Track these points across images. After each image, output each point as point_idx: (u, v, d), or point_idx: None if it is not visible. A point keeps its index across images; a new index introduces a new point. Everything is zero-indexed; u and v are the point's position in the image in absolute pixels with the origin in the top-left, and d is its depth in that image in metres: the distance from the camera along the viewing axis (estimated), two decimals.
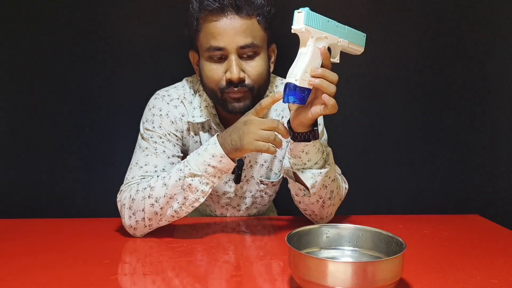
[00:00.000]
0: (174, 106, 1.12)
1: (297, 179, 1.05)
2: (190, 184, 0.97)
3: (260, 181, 1.21)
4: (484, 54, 1.51)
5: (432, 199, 1.55)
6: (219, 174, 0.98)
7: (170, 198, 0.99)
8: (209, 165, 0.96)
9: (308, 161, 1.01)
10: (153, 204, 1.00)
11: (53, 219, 1.18)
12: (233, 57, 1.01)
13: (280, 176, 1.24)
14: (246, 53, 1.02)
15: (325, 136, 1.17)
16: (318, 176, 1.01)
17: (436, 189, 1.56)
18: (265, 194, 1.24)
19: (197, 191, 0.98)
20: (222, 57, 1.03)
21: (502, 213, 1.41)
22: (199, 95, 1.15)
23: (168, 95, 1.14)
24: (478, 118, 1.54)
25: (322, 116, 1.20)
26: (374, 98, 1.52)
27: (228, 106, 1.06)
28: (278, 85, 1.20)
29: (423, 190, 1.56)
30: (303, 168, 1.02)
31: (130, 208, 1.02)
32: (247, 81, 1.03)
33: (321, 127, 1.16)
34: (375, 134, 1.54)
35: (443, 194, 1.56)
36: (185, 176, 0.97)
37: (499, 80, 1.52)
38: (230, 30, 1.00)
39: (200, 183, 0.97)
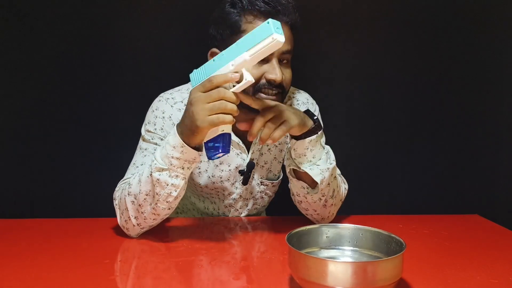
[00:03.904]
0: (178, 109, 1.11)
1: (299, 178, 1.06)
2: (158, 179, 0.94)
3: (261, 182, 1.22)
4: (484, 54, 1.51)
5: (432, 199, 1.55)
6: (187, 165, 0.94)
7: (146, 195, 0.97)
8: (172, 157, 0.93)
9: (313, 157, 1.03)
10: (133, 202, 0.99)
11: (53, 219, 1.18)
12: (275, 61, 1.02)
13: (280, 177, 1.25)
14: (284, 58, 1.05)
15: (323, 138, 1.18)
16: (326, 172, 1.03)
17: (436, 189, 1.56)
18: (265, 195, 1.25)
19: (167, 185, 0.95)
20: (263, 59, 1.02)
21: (502, 213, 1.41)
22: None
23: (172, 98, 1.13)
24: (478, 118, 1.54)
25: (319, 113, 1.23)
26: (374, 98, 1.52)
27: None
28: (291, 93, 1.21)
29: (423, 190, 1.56)
30: (310, 166, 1.03)
31: (119, 207, 1.03)
32: (283, 85, 1.05)
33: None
34: (375, 134, 1.54)
35: (443, 194, 1.56)
36: (152, 172, 0.95)
37: (499, 80, 1.52)
38: None
39: (169, 176, 0.94)
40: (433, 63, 1.51)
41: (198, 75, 0.92)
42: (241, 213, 1.24)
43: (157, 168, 0.94)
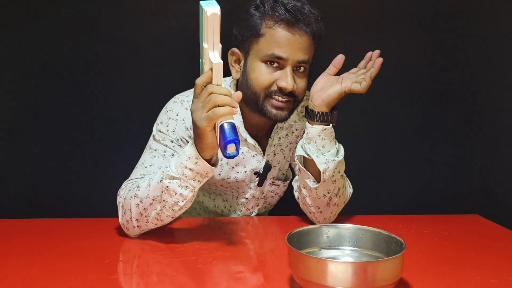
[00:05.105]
0: None
1: (307, 168, 1.07)
2: (167, 187, 0.94)
3: (272, 182, 1.22)
4: (484, 54, 1.50)
5: (432, 199, 1.55)
6: (198, 178, 0.94)
7: (153, 199, 0.97)
8: (185, 167, 0.93)
9: (323, 147, 1.05)
10: (138, 205, 0.98)
11: (53, 219, 1.18)
12: (289, 69, 1.04)
13: (289, 177, 1.25)
14: (299, 67, 1.06)
15: None
16: (331, 163, 1.04)
17: (436, 189, 1.56)
18: (275, 194, 1.26)
19: (175, 194, 0.94)
20: (278, 66, 1.05)
21: (502, 213, 1.41)
22: None
23: (188, 101, 1.11)
24: (478, 117, 1.53)
25: None
26: (374, 98, 1.51)
27: (268, 112, 1.06)
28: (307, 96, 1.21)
29: (423, 190, 1.56)
30: (317, 154, 1.05)
31: (122, 206, 1.02)
32: (295, 93, 1.07)
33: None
34: (375, 134, 1.54)
35: (443, 194, 1.55)
36: (163, 178, 0.95)
37: (499, 80, 1.52)
38: (295, 43, 1.03)
39: (179, 186, 0.94)
40: (434, 64, 1.51)
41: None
42: (252, 212, 1.25)
43: (169, 176, 0.94)
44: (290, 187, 1.24)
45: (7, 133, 1.43)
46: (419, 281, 0.83)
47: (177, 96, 1.14)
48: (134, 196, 0.99)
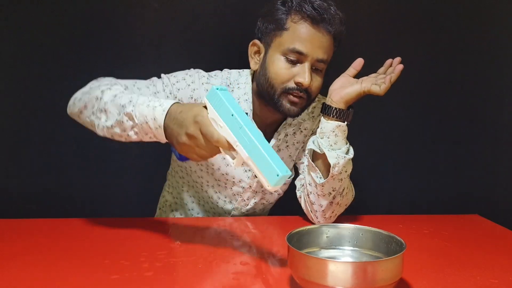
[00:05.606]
0: (204, 90, 1.12)
1: (316, 164, 1.09)
2: (122, 122, 0.93)
3: None
4: (484, 54, 1.51)
5: (432, 199, 1.55)
6: (151, 135, 0.92)
7: (105, 110, 0.95)
8: (147, 123, 0.89)
9: (335, 143, 1.07)
10: (97, 98, 0.97)
11: (53, 219, 1.18)
12: (307, 65, 1.06)
13: (292, 175, 1.25)
14: (317, 66, 1.08)
15: None
16: (342, 159, 1.05)
17: (436, 189, 1.56)
18: (275, 191, 1.26)
19: (124, 131, 0.94)
20: (297, 61, 1.06)
21: (502, 213, 1.41)
22: (238, 87, 1.16)
23: (208, 78, 1.14)
24: (478, 118, 1.54)
25: None
26: (374, 98, 1.52)
27: (282, 106, 1.08)
28: (319, 99, 1.22)
29: (423, 190, 1.56)
30: (329, 149, 1.06)
31: (91, 84, 1.04)
32: (310, 91, 1.08)
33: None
34: (376, 134, 1.54)
35: (443, 194, 1.56)
36: (125, 112, 0.92)
37: (499, 80, 1.52)
38: (317, 41, 1.05)
39: (131, 128, 0.93)
40: (434, 64, 1.51)
41: (215, 102, 0.83)
42: (248, 204, 1.25)
43: (129, 116, 0.92)
44: (291, 187, 1.24)
45: (7, 133, 1.43)
46: (419, 281, 0.83)
47: (201, 70, 1.16)
48: (102, 92, 0.98)
